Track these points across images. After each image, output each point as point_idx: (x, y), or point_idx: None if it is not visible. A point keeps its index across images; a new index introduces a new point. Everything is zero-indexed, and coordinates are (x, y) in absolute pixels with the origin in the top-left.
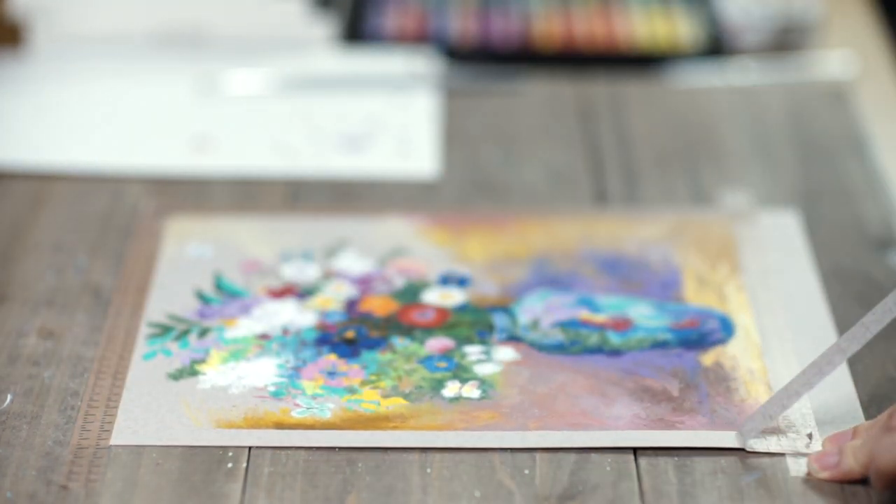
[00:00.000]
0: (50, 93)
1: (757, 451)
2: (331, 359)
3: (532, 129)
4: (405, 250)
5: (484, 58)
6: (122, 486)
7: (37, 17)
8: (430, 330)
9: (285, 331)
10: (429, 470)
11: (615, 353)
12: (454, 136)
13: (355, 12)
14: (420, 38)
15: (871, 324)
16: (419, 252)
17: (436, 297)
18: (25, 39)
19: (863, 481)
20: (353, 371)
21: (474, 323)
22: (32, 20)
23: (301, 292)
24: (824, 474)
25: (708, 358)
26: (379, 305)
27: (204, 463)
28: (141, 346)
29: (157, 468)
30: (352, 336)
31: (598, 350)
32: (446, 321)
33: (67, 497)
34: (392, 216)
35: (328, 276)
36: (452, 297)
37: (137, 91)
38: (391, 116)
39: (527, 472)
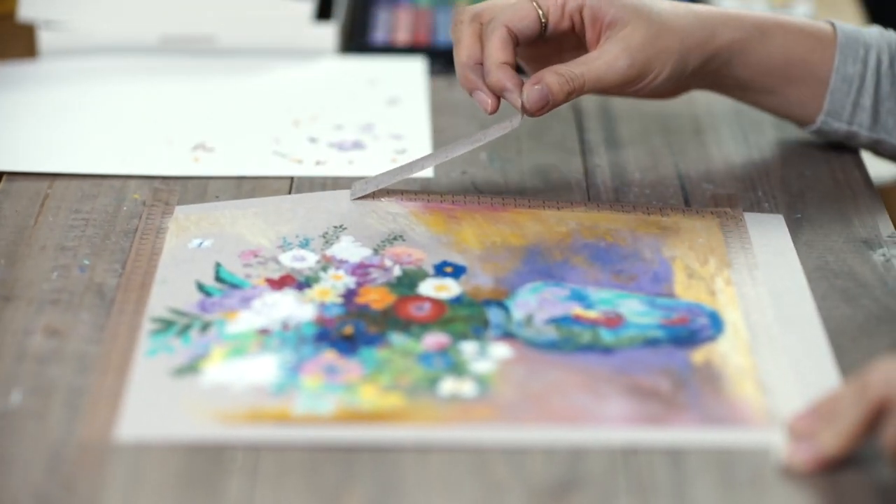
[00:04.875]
0: (55, 97)
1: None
2: (330, 356)
3: (523, 130)
4: (401, 237)
5: None
6: (127, 483)
7: (46, 25)
8: (426, 325)
9: (285, 325)
10: (426, 466)
11: (607, 350)
12: (447, 138)
13: (356, 22)
14: (419, 45)
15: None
16: (415, 239)
17: (431, 288)
18: (35, 45)
19: (853, 474)
20: (351, 368)
21: (469, 318)
22: (42, 27)
23: (300, 282)
24: (804, 463)
25: (698, 355)
26: (376, 298)
27: (206, 459)
28: (144, 343)
29: (161, 465)
30: (350, 332)
31: (590, 348)
32: (442, 316)
33: (73, 494)
34: (386, 199)
35: (326, 263)
36: (448, 290)
37: (140, 95)
38: (386, 118)
39: (522, 468)
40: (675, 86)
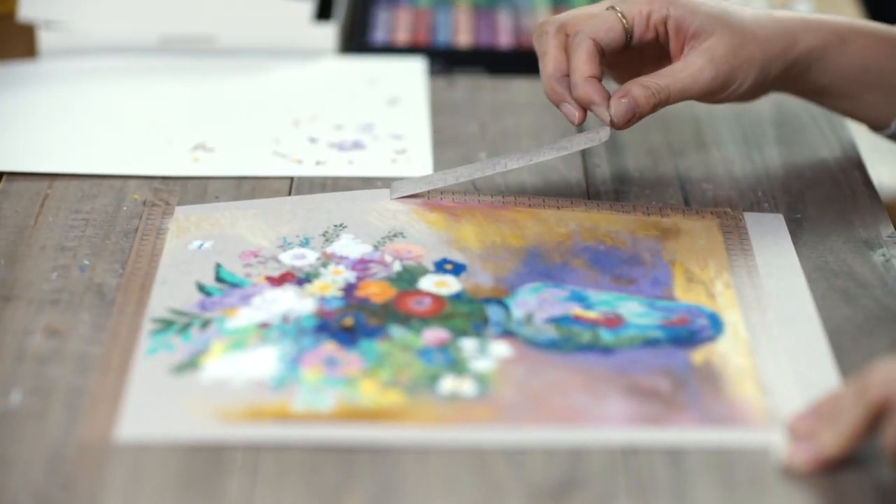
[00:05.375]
0: (55, 97)
1: (396, 197)
2: (330, 347)
3: (523, 130)
4: (401, 234)
5: (479, 61)
6: (127, 483)
7: (46, 25)
8: (426, 320)
9: (285, 318)
10: (426, 466)
11: (607, 350)
12: (447, 138)
13: (356, 22)
14: (419, 45)
15: (543, 151)
16: (415, 236)
17: (431, 284)
18: (35, 45)
19: (853, 474)
20: (352, 361)
21: (469, 314)
22: (42, 27)
23: (300, 278)
24: (804, 463)
25: (698, 356)
26: (376, 291)
27: (207, 458)
28: (144, 342)
29: (161, 465)
30: (350, 323)
31: (590, 348)
32: (442, 311)
33: (73, 494)
34: (387, 197)
35: (326, 260)
36: (448, 286)
37: (140, 95)
38: (386, 118)
39: (522, 468)
40: (754, 92)
